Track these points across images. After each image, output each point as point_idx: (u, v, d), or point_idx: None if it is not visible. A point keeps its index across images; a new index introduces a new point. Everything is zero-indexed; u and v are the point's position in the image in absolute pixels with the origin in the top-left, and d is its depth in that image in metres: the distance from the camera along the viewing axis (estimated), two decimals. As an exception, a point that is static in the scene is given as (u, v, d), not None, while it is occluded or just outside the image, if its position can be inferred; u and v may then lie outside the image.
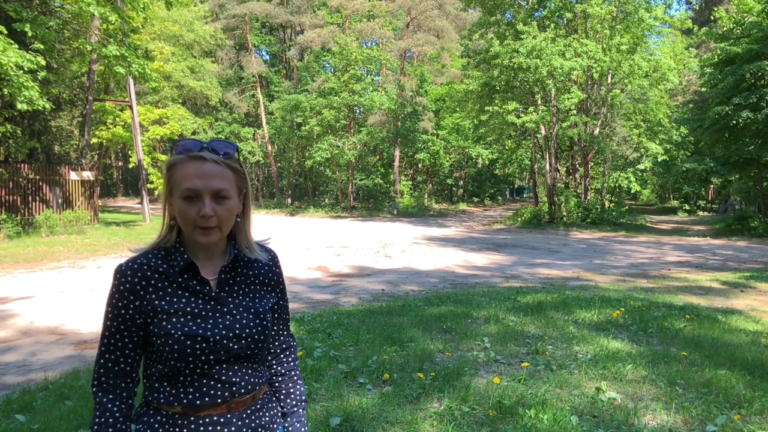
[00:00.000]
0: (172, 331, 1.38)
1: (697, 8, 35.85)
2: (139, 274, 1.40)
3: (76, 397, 4.21)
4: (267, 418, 1.53)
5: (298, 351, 4.97)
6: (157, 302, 1.40)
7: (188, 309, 1.41)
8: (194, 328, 1.39)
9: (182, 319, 1.40)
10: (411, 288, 9.73)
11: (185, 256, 1.45)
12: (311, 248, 15.75)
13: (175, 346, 1.37)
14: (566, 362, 4.80)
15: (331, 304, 8.25)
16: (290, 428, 1.63)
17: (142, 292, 1.40)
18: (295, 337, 5.64)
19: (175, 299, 1.42)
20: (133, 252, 1.48)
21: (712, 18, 27.62)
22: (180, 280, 1.43)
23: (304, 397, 1.68)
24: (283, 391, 1.65)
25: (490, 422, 3.62)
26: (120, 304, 1.40)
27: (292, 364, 1.68)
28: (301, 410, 1.67)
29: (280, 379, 1.65)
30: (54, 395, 4.30)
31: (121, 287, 1.40)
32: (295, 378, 1.68)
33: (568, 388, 4.19)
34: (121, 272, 1.41)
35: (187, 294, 1.43)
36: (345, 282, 10.41)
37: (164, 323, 1.39)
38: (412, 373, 4.50)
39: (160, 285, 1.41)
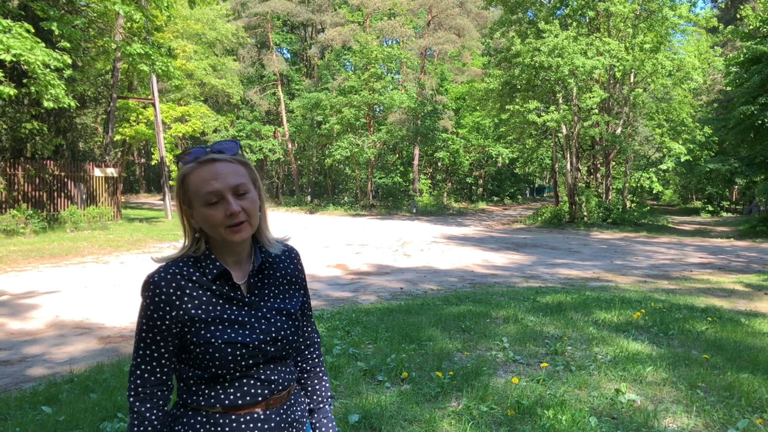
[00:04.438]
0: (212, 340, 1.39)
1: (723, 6, 35.25)
2: (173, 284, 1.40)
3: (101, 390, 4.30)
4: (299, 413, 1.55)
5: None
6: (193, 311, 1.40)
7: (224, 316, 1.42)
8: (233, 335, 1.41)
9: (220, 327, 1.41)
10: (430, 287, 9.74)
11: (217, 263, 1.45)
12: (330, 246, 15.82)
13: (216, 354, 1.39)
14: (586, 363, 4.78)
15: (350, 302, 8.29)
16: (317, 424, 1.66)
17: (177, 302, 1.39)
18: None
19: (210, 307, 1.42)
20: (157, 262, 1.47)
21: (738, 16, 27.18)
22: (214, 287, 1.44)
23: (330, 393, 1.70)
24: (309, 388, 1.67)
25: (508, 422, 3.63)
26: (156, 315, 1.39)
27: (316, 360, 1.69)
28: (327, 406, 1.69)
29: (305, 375, 1.67)
30: (79, 388, 4.39)
31: (156, 298, 1.39)
32: (321, 374, 1.69)
33: (587, 389, 4.18)
34: (154, 283, 1.40)
35: (221, 301, 1.44)
36: (364, 280, 10.44)
37: (203, 332, 1.40)
38: (430, 371, 4.51)
39: (195, 294, 1.41)
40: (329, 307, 7.71)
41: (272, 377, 1.46)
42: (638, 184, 29.63)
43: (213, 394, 1.42)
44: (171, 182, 29.31)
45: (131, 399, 1.41)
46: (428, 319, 6.43)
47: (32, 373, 5.13)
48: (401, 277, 10.83)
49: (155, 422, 1.41)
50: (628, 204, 28.33)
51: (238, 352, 1.40)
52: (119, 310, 7.59)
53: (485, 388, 4.11)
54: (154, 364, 1.42)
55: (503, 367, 4.75)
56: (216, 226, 1.41)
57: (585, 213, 25.92)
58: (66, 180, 19.00)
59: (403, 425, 3.58)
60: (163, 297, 1.39)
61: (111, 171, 20.74)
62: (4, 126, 18.07)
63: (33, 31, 14.03)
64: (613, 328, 6.05)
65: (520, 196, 54.27)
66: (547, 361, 4.82)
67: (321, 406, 1.67)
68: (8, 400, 4.17)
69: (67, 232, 16.80)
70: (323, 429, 1.66)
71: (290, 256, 1.61)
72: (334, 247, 15.69)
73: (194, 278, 1.43)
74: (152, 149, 35.08)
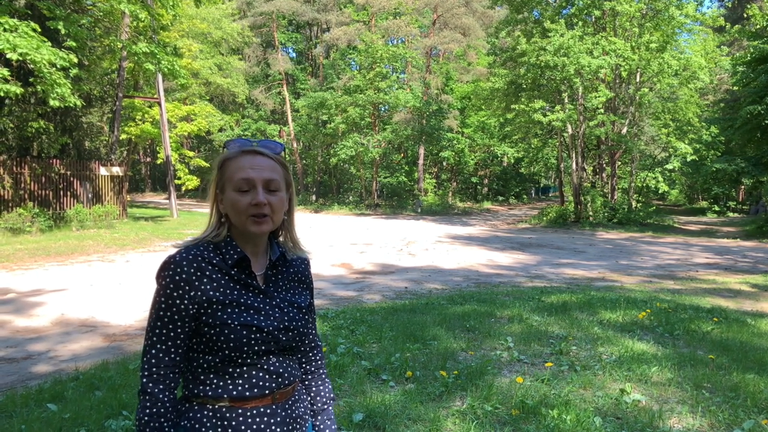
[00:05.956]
0: (228, 321, 1.42)
1: (730, 5, 35.09)
2: (194, 265, 1.44)
3: (106, 387, 4.31)
4: (302, 409, 1.59)
5: (322, 347, 5.03)
6: (211, 293, 1.44)
7: (241, 300, 1.46)
8: (249, 318, 1.45)
9: (237, 310, 1.44)
10: (434, 286, 9.73)
11: (238, 249, 1.50)
12: (335, 245, 15.83)
13: (231, 336, 1.42)
14: (590, 363, 4.77)
15: (355, 301, 8.29)
16: (321, 426, 1.69)
17: (197, 283, 1.43)
18: (319, 333, 5.69)
19: (228, 291, 1.46)
20: (177, 246, 1.52)
21: (744, 15, 27.05)
22: (233, 272, 1.48)
23: (332, 395, 1.74)
24: (313, 389, 1.70)
25: (512, 421, 3.62)
26: (175, 294, 1.42)
27: (320, 362, 1.73)
28: (330, 408, 1.72)
29: (309, 377, 1.70)
30: (84, 385, 4.40)
31: (177, 277, 1.42)
32: (324, 376, 1.73)
33: (591, 389, 4.17)
34: (175, 263, 1.44)
35: (238, 287, 1.48)
36: (368, 279, 10.44)
37: (219, 313, 1.43)
38: (434, 371, 4.51)
39: (214, 276, 1.45)
40: (334, 306, 7.72)
41: (280, 370, 1.50)
42: (644, 184, 29.52)
43: (221, 384, 1.44)
44: (176, 181, 29.45)
45: (144, 380, 1.43)
46: (433, 318, 6.42)
47: (38, 370, 5.15)
48: (406, 276, 10.83)
49: (167, 404, 1.43)
50: (633, 204, 28.24)
51: (252, 336, 1.44)
52: (124, 308, 7.61)
53: (489, 388, 4.10)
54: (170, 344, 1.44)
55: (508, 367, 4.75)
56: (240, 212, 1.47)
57: (590, 213, 25.85)
58: (72, 179, 19.05)
59: (407, 424, 3.58)
60: (183, 276, 1.43)
61: (117, 170, 20.80)
62: (11, 125, 18.13)
63: (39, 30, 14.07)
64: (618, 328, 6.03)
65: (525, 196, 54.19)
66: (552, 361, 4.82)
67: (324, 407, 1.71)
68: (14, 398, 4.19)
69: (73, 230, 16.86)
70: (327, 430, 1.70)
71: (303, 260, 1.69)
72: (339, 246, 15.70)
73: (214, 262, 1.47)
74: (158, 148, 35.23)
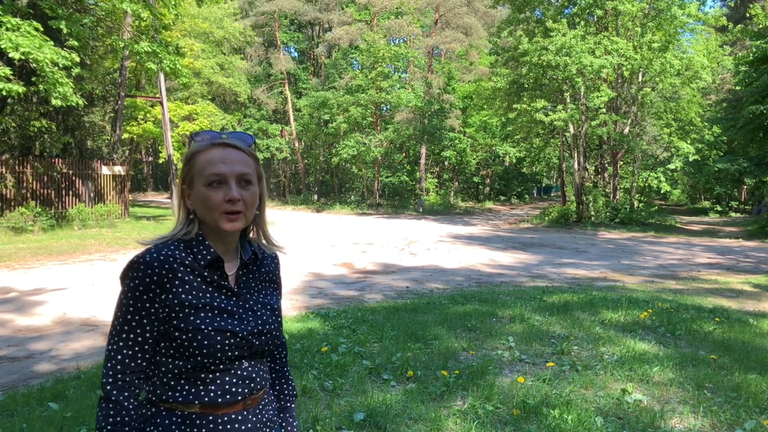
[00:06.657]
0: (202, 326, 1.35)
1: (732, 5, 35.01)
2: (166, 266, 1.35)
3: (107, 386, 4.30)
4: (272, 412, 1.54)
5: (324, 346, 5.03)
6: (183, 296, 1.36)
7: (215, 304, 1.39)
8: (223, 323, 1.37)
9: (210, 314, 1.37)
10: (436, 286, 9.72)
11: (211, 249, 1.42)
12: (337, 245, 15.82)
13: (205, 342, 1.35)
14: (592, 363, 4.76)
15: (356, 301, 8.29)
16: (284, 423, 1.66)
17: (168, 285, 1.35)
18: (321, 333, 5.67)
19: (200, 293, 1.38)
20: (143, 244, 1.42)
21: (747, 15, 27.02)
22: (205, 274, 1.40)
23: (295, 393, 1.71)
24: (278, 387, 1.67)
25: (513, 421, 3.62)
26: (145, 297, 1.34)
27: (284, 360, 1.69)
28: (293, 405, 1.70)
29: (274, 375, 1.66)
30: (86, 384, 4.40)
31: (147, 279, 1.33)
32: (288, 374, 1.70)
33: (593, 389, 4.16)
34: (146, 263, 1.34)
35: (211, 289, 1.40)
36: (370, 279, 10.43)
37: (192, 318, 1.35)
38: (436, 370, 4.50)
39: (186, 278, 1.37)
40: (335, 306, 7.71)
41: (252, 375, 1.44)
42: (646, 184, 29.47)
43: (193, 390, 1.38)
44: (178, 180, 29.44)
45: (108, 387, 1.34)
46: (434, 318, 6.42)
47: (39, 369, 5.16)
48: (407, 276, 10.82)
49: (132, 413, 1.35)
50: (635, 204, 28.19)
51: (227, 341, 1.37)
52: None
53: (491, 388, 4.10)
54: (137, 349, 1.36)
55: (509, 367, 4.74)
56: (212, 209, 1.39)
57: (592, 213, 25.83)
58: (74, 178, 19.08)
59: (408, 424, 3.58)
60: (155, 278, 1.34)
61: (119, 169, 20.83)
62: (13, 124, 18.17)
63: (41, 29, 14.10)
64: (619, 327, 6.02)
65: (527, 196, 54.13)
66: (553, 361, 4.81)
67: (288, 405, 1.68)
68: (15, 396, 4.19)
69: (75, 229, 16.88)
70: (289, 428, 1.67)
71: (274, 259, 1.60)
72: (341, 245, 15.69)
73: (186, 262, 1.39)
74: (160, 147, 35.18)
